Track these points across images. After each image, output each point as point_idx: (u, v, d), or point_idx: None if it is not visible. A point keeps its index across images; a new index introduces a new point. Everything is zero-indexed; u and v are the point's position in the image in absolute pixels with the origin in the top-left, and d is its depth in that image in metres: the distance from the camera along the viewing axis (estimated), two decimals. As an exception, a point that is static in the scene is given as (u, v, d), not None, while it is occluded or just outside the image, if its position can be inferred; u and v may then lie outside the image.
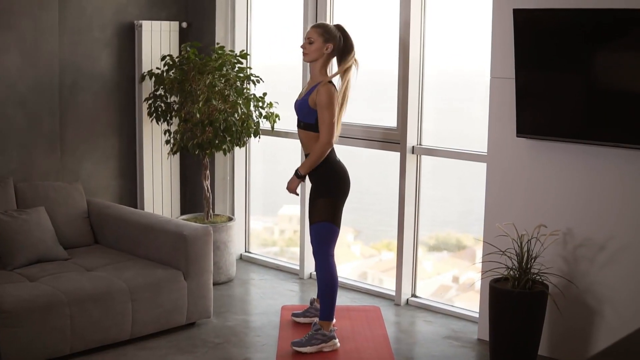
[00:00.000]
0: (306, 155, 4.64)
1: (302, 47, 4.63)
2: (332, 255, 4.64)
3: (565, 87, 4.30)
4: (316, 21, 5.62)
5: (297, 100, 4.71)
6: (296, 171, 4.66)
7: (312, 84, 4.61)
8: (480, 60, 4.89)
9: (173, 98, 5.75)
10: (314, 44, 4.56)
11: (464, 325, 5.04)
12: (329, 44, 4.56)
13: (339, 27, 4.63)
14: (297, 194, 4.80)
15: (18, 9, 5.27)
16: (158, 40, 5.96)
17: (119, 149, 5.99)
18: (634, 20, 3.95)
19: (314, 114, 4.53)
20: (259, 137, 5.78)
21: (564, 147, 4.43)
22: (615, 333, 4.30)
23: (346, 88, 4.61)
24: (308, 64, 4.70)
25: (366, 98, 5.78)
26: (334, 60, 4.69)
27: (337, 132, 4.63)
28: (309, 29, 4.66)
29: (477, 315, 4.96)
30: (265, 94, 5.70)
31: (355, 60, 4.63)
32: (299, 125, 4.67)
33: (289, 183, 4.73)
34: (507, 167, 4.67)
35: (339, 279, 5.63)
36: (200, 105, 5.34)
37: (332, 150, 4.62)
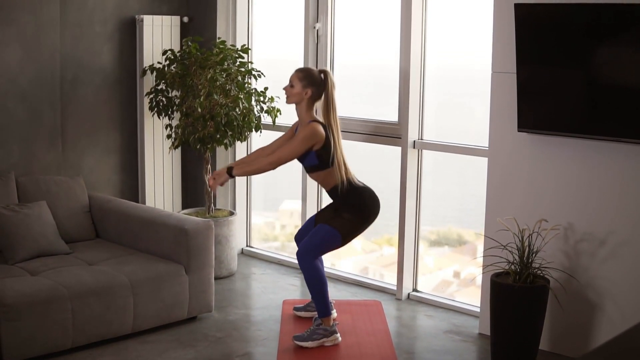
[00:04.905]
0: (328, 192, 4.63)
1: (284, 89, 4.64)
2: (319, 259, 4.61)
3: (566, 81, 4.30)
4: (317, 17, 5.63)
5: None
6: (229, 169, 4.56)
7: (298, 125, 4.68)
8: (482, 55, 4.89)
9: (174, 92, 5.75)
10: (294, 88, 4.60)
11: (465, 320, 5.04)
12: (308, 89, 4.56)
13: (324, 72, 4.61)
14: (214, 188, 4.61)
15: (19, 2, 5.27)
16: (159, 35, 5.96)
17: (121, 143, 5.99)
18: (634, 16, 3.95)
19: (313, 155, 4.53)
20: (261, 132, 5.78)
21: (565, 142, 4.43)
22: (616, 327, 4.30)
23: (332, 102, 4.57)
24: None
25: (367, 92, 5.78)
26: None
27: (346, 170, 4.57)
28: (293, 72, 4.64)
29: (478, 309, 4.97)
30: (266, 89, 5.69)
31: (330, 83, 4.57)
32: (306, 170, 4.70)
33: (216, 175, 4.58)
34: (508, 162, 4.67)
35: (340, 274, 5.68)
36: (201, 99, 5.34)
37: (351, 182, 4.57)
